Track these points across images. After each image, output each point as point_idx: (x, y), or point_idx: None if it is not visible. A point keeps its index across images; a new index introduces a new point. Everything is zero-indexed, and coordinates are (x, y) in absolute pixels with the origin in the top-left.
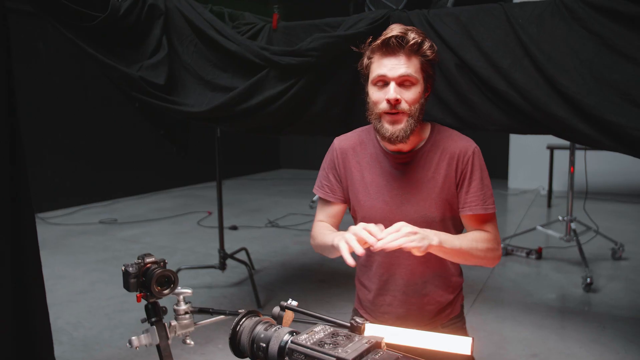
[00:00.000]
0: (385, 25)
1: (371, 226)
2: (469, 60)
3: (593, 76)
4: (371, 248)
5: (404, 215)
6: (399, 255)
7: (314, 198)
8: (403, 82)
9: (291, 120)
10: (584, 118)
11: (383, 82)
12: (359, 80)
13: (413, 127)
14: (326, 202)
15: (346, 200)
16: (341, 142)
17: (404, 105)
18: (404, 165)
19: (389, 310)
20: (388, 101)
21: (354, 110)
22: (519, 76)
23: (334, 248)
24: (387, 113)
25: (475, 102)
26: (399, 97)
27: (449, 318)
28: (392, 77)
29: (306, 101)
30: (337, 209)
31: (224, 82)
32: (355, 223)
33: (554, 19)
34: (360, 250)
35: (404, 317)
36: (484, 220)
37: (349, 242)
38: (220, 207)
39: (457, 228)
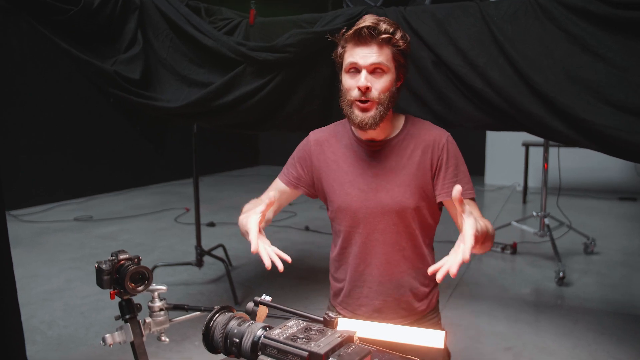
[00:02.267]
0: None
1: (252, 223)
2: (446, 58)
3: (566, 75)
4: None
5: (379, 202)
6: (375, 245)
7: None
8: (374, 70)
9: (269, 117)
10: (558, 116)
11: (355, 69)
12: (336, 76)
13: (383, 114)
14: (284, 185)
15: (306, 191)
16: (316, 134)
17: (374, 93)
18: (377, 153)
19: (365, 302)
20: (359, 88)
21: (332, 106)
22: (495, 74)
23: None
24: (358, 101)
25: (452, 100)
26: (369, 84)
27: (425, 312)
28: (363, 65)
29: (284, 97)
30: (289, 191)
31: (200, 78)
32: (328, 213)
33: (528, 18)
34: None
35: (380, 309)
36: (470, 203)
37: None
38: (197, 203)
39: (433, 217)
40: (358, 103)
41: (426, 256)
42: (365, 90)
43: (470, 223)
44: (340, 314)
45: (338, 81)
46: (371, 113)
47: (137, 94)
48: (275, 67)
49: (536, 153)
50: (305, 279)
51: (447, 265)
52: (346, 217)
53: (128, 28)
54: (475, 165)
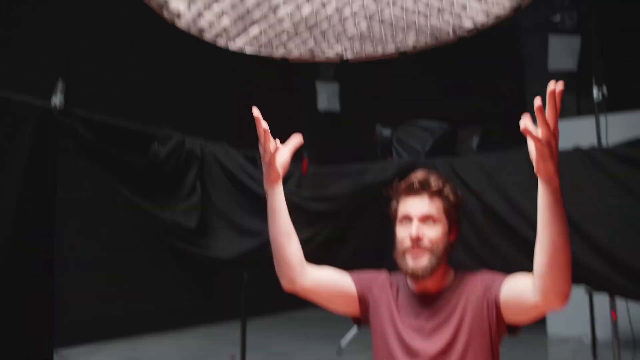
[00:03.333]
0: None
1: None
2: (494, 206)
3: (624, 226)
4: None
5: (424, 352)
6: None
7: (343, 343)
8: (425, 220)
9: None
10: (619, 269)
11: (407, 219)
12: (387, 225)
13: (435, 265)
14: (348, 276)
15: (357, 299)
16: (388, 274)
17: (425, 242)
18: (429, 304)
19: None
20: (410, 238)
21: (382, 254)
22: None
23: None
24: (409, 249)
25: (504, 251)
26: (420, 233)
27: None
28: (414, 215)
29: (334, 247)
30: (342, 285)
31: (253, 227)
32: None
33: (577, 168)
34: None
35: None
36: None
37: None
38: (244, 350)
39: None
40: (410, 250)
41: None
42: (417, 239)
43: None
44: None
45: (390, 234)
46: (423, 261)
47: (192, 242)
48: (326, 217)
49: (601, 300)
50: None
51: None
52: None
53: (188, 178)
54: None
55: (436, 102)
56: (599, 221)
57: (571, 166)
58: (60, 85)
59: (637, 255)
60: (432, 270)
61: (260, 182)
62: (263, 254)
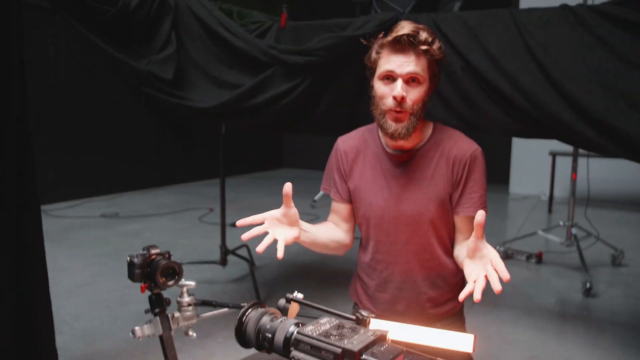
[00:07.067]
0: None
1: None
2: (476, 64)
3: (600, 82)
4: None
5: (401, 213)
6: (397, 254)
7: (316, 197)
8: (409, 80)
9: (297, 118)
10: (591, 124)
11: (391, 78)
12: (365, 80)
13: (415, 125)
14: (335, 202)
15: (351, 200)
16: (345, 142)
17: (408, 104)
18: (404, 164)
19: (388, 307)
20: (394, 98)
21: (359, 110)
22: (525, 80)
23: None
24: (391, 110)
25: (480, 105)
26: (405, 94)
27: (448, 316)
28: (399, 73)
29: (312, 100)
30: (347, 209)
31: (231, 79)
32: (356, 219)
33: (562, 26)
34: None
35: (403, 313)
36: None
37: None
38: (223, 202)
39: (447, 229)
40: (392, 112)
41: (447, 265)
42: (401, 100)
43: (496, 255)
44: (373, 313)
45: (368, 86)
46: (404, 123)
47: (170, 93)
48: (305, 71)
49: (563, 163)
50: (326, 281)
51: (478, 287)
52: (369, 227)
53: (162, 29)
54: (500, 173)
55: None
56: (579, 79)
57: (557, 24)
58: None
59: (610, 111)
60: (412, 131)
61: (238, 35)
62: (240, 105)
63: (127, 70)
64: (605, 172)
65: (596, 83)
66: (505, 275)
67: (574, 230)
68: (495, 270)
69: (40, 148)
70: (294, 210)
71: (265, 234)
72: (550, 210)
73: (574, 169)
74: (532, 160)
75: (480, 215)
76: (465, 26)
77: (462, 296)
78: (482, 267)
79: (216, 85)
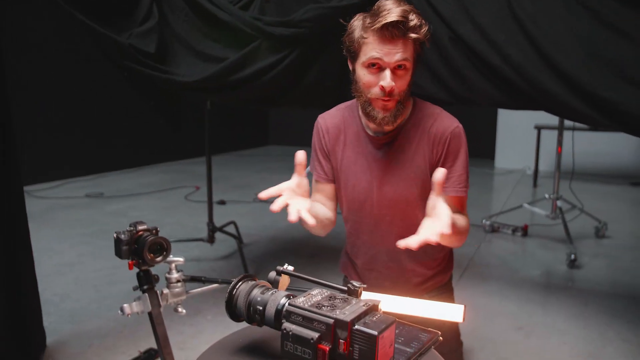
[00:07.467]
0: None
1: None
2: (464, 34)
3: (588, 53)
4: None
5: (383, 196)
6: (382, 234)
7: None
8: (397, 69)
9: (284, 92)
10: (578, 94)
11: (377, 67)
12: None
13: (402, 109)
14: (319, 182)
15: (334, 180)
16: (325, 121)
17: (396, 92)
18: (385, 145)
19: (375, 283)
20: (382, 88)
21: (346, 83)
22: (513, 51)
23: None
24: (379, 99)
25: (468, 77)
26: (394, 84)
27: (436, 287)
28: (388, 62)
29: (299, 73)
30: (331, 189)
31: (215, 52)
32: (339, 201)
33: None
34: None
35: (391, 288)
36: (457, 202)
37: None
38: (210, 180)
39: None
40: (379, 101)
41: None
42: (390, 91)
43: (446, 208)
44: (364, 284)
45: (349, 67)
46: (392, 111)
47: (153, 67)
48: (291, 43)
49: (547, 136)
50: (316, 257)
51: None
52: (353, 208)
53: (143, 1)
54: (485, 148)
55: None
56: (567, 49)
57: None
58: None
59: (598, 81)
60: (399, 115)
61: (221, 7)
62: (225, 79)
63: (108, 43)
64: (590, 146)
65: (585, 53)
66: (445, 229)
67: (559, 203)
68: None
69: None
70: (305, 180)
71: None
72: (535, 184)
73: (560, 143)
74: (517, 134)
75: (439, 172)
76: None
77: (401, 243)
78: (432, 223)
79: (200, 58)
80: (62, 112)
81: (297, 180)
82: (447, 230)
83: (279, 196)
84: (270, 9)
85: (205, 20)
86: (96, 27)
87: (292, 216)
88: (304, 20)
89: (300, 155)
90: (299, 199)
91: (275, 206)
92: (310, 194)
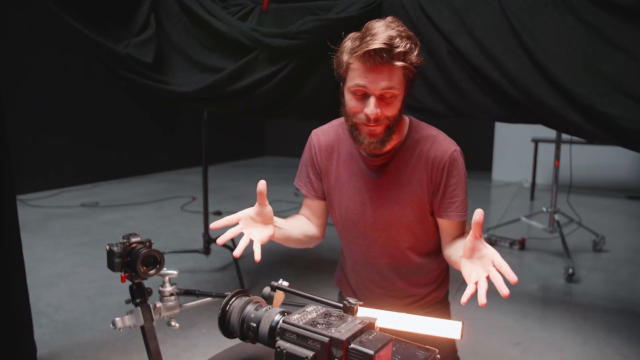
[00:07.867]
0: (377, 10)
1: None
2: (462, 47)
3: (585, 66)
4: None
5: (377, 218)
6: (374, 256)
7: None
8: (384, 95)
9: (281, 104)
10: (575, 108)
11: (362, 94)
12: None
13: (392, 134)
14: (308, 198)
15: (324, 197)
16: (319, 137)
17: (383, 119)
18: (380, 167)
19: (369, 303)
20: (366, 116)
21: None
22: (511, 64)
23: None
24: (364, 125)
25: (466, 90)
26: (378, 112)
27: (432, 303)
28: (372, 90)
29: (297, 85)
30: (320, 206)
31: (213, 63)
32: (332, 218)
33: (547, 8)
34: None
35: (385, 306)
36: (461, 226)
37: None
38: (206, 191)
39: (426, 231)
40: (365, 127)
41: (426, 265)
42: (375, 118)
43: (498, 255)
44: (360, 300)
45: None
46: (380, 137)
47: (150, 77)
48: (289, 54)
49: (545, 150)
50: (311, 269)
51: (482, 290)
52: (345, 228)
53: (141, 11)
54: (483, 160)
55: None
56: (564, 63)
57: (543, 6)
58: None
59: (595, 95)
60: (388, 141)
61: (219, 17)
62: (222, 90)
63: (105, 53)
64: (587, 159)
65: (582, 67)
66: (513, 278)
67: (556, 217)
68: (500, 273)
69: (17, 136)
70: (268, 209)
71: (241, 235)
72: (532, 197)
73: (557, 156)
74: (515, 147)
75: (478, 214)
76: (451, 9)
77: (464, 299)
78: (482, 267)
79: (197, 69)
80: (58, 121)
81: (257, 209)
82: (514, 279)
83: (236, 224)
84: (268, 19)
85: (203, 31)
86: (93, 36)
87: (236, 251)
88: (301, 32)
89: (261, 185)
90: (256, 228)
91: (222, 239)
92: (272, 221)
